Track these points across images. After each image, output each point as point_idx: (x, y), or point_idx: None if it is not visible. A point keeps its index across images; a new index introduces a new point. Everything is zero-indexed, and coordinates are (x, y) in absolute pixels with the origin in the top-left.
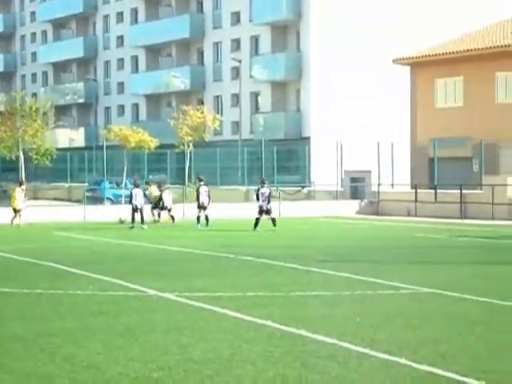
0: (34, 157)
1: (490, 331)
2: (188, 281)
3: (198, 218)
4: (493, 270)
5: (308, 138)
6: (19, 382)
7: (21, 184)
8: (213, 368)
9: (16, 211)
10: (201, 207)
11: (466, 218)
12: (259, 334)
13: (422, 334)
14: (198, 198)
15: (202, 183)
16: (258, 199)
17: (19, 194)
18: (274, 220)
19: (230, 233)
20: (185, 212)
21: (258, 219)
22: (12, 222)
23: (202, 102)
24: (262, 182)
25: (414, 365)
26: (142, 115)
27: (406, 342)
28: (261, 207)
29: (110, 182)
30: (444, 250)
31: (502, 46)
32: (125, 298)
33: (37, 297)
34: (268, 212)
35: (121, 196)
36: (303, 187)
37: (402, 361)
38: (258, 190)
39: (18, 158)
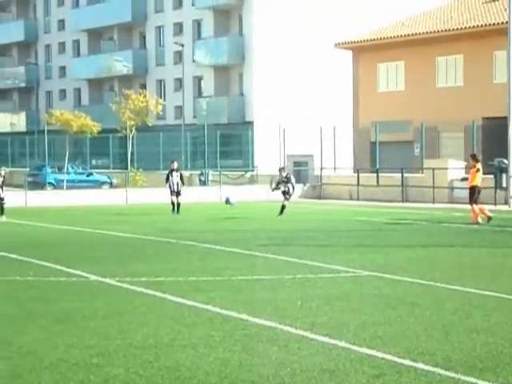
0: None
1: (429, 313)
2: (129, 266)
3: (173, 204)
4: (431, 252)
5: (251, 123)
6: None
7: None
8: (153, 353)
9: None
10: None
11: (407, 201)
12: (200, 319)
13: (362, 317)
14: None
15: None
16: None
17: None
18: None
19: (173, 217)
20: (128, 197)
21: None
22: None
23: (144, 87)
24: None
25: (354, 347)
26: (85, 100)
27: (345, 324)
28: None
29: (51, 167)
30: (384, 233)
31: (442, 30)
32: (65, 284)
33: None
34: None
35: (62, 181)
36: (246, 172)
37: (342, 344)
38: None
39: None
